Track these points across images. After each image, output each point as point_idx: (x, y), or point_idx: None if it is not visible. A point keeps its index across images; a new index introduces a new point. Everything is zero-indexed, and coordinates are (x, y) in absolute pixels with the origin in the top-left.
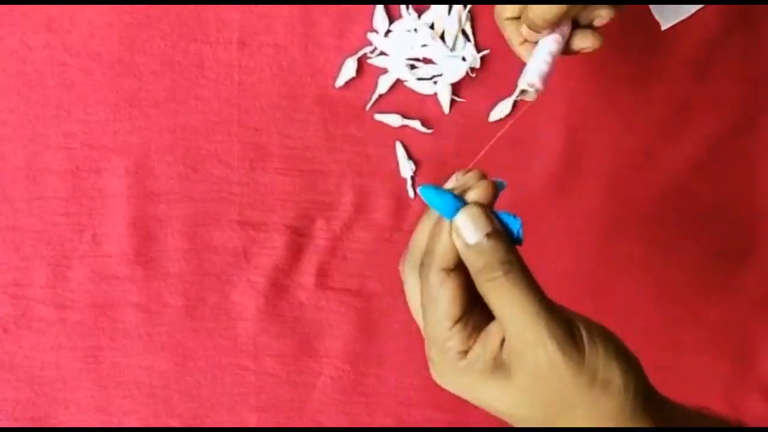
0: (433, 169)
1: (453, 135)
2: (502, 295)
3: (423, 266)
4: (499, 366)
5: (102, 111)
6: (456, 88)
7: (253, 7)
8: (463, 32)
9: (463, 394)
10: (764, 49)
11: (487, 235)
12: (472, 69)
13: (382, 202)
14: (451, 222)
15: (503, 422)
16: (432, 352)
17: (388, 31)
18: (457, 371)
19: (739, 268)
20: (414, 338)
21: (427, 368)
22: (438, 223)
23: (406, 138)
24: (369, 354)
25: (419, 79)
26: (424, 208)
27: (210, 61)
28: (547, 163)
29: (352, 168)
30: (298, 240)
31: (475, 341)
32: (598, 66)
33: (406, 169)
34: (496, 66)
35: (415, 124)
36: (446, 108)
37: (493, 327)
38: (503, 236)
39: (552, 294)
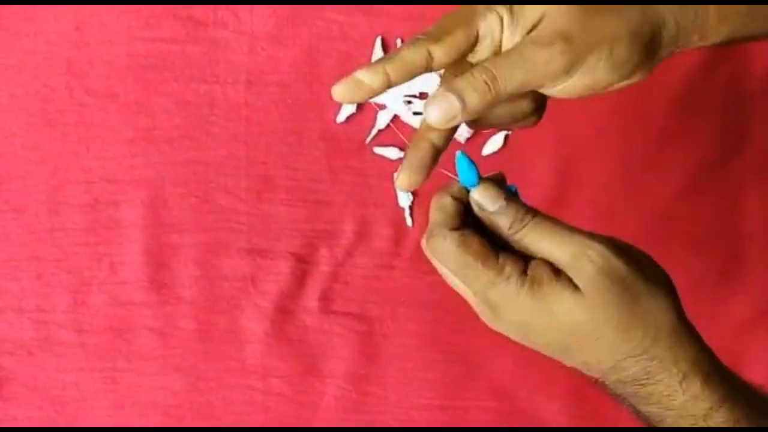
0: (430, 199)
1: (448, 167)
2: (538, 232)
3: (436, 236)
4: (562, 279)
5: (119, 147)
6: None
7: (259, 49)
8: None
9: (540, 318)
10: (748, 79)
11: (505, 200)
12: None
13: (382, 230)
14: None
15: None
16: (493, 296)
17: None
18: (526, 294)
19: (728, 291)
20: (413, 359)
21: (427, 388)
22: (438, 196)
23: None
24: (371, 375)
25: (415, 113)
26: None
27: (220, 100)
28: (537, 191)
29: (353, 198)
30: (303, 267)
31: (525, 266)
32: (587, 99)
33: (404, 199)
34: None
35: None
36: None
37: (538, 259)
38: (515, 197)
39: None
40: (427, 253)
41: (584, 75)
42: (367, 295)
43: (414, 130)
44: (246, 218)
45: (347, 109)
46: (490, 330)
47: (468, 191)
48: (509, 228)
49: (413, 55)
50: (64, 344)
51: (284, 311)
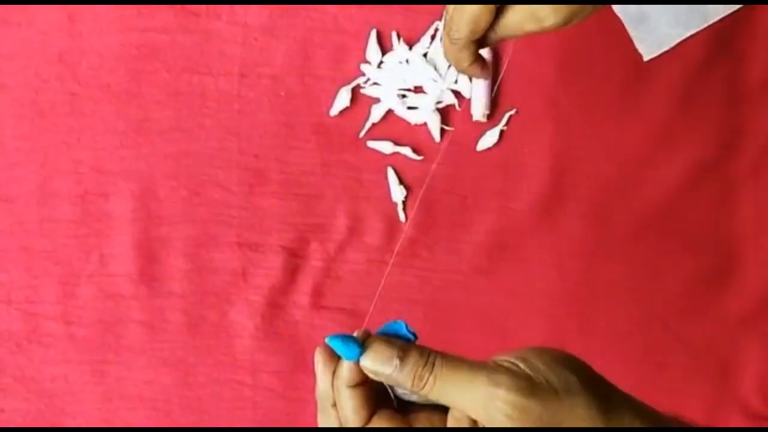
0: (423, 194)
1: (443, 162)
2: (443, 385)
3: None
4: None
5: (110, 138)
6: (446, 117)
7: (252, 41)
8: None
9: None
10: (745, 79)
11: (399, 358)
12: (461, 98)
13: (375, 225)
14: (351, 366)
15: None
16: None
17: (381, 63)
18: None
19: (721, 290)
20: None
21: None
22: (338, 390)
23: (398, 164)
24: None
25: (409, 108)
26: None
27: (212, 92)
28: (533, 188)
29: (346, 193)
30: (294, 261)
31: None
32: (583, 95)
33: (398, 193)
34: None
35: (406, 151)
36: (436, 136)
37: (451, 421)
38: (409, 347)
39: (537, 316)
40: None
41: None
42: (358, 290)
43: (408, 124)
44: (237, 211)
45: (341, 103)
46: (481, 327)
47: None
48: (411, 386)
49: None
50: (53, 336)
51: (275, 306)
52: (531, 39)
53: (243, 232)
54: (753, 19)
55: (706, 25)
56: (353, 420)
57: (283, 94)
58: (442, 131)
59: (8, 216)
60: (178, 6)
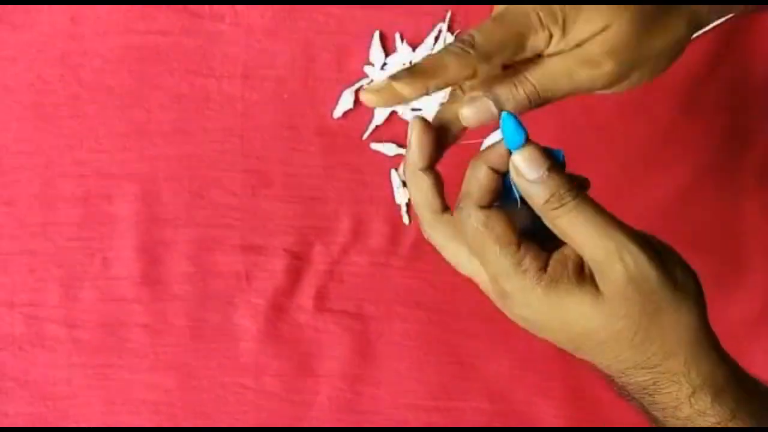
0: None
1: (446, 163)
2: (576, 218)
3: (462, 210)
4: (584, 281)
5: (112, 141)
6: None
7: (255, 42)
8: None
9: (550, 318)
10: (750, 81)
11: (548, 170)
12: None
13: (378, 227)
14: (509, 158)
15: None
16: (507, 286)
17: (384, 64)
18: (542, 292)
19: (727, 293)
20: (408, 359)
21: (421, 389)
22: (474, 164)
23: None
24: (365, 374)
25: (413, 109)
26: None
27: (215, 94)
28: None
29: (349, 195)
30: (298, 264)
31: (547, 261)
32: (587, 98)
33: (401, 196)
34: None
35: None
36: None
37: (565, 249)
38: (560, 169)
39: None
40: (427, 234)
41: (621, 86)
42: (362, 293)
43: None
44: (240, 214)
45: (344, 105)
46: (486, 331)
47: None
48: (544, 202)
49: (459, 71)
50: (56, 339)
51: (278, 309)
52: None
53: (246, 234)
54: (759, 20)
55: (710, 27)
56: (476, 197)
57: (286, 96)
58: None
59: (11, 219)
60: (181, 8)
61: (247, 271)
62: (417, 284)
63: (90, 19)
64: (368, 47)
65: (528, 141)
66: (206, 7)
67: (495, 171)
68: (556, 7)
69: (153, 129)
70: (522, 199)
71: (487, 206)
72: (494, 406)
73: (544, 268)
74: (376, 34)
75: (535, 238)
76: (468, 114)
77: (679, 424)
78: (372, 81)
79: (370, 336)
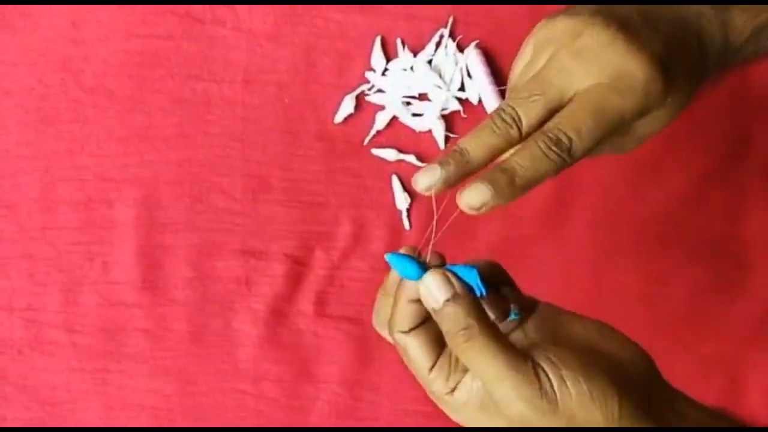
0: (427, 201)
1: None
2: (468, 356)
3: (389, 327)
4: (487, 410)
5: (113, 145)
6: (450, 124)
7: (257, 47)
8: (468, 70)
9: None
10: (752, 87)
11: (446, 301)
12: (466, 105)
13: (379, 232)
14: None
15: None
16: (432, 396)
17: (386, 70)
18: (454, 408)
19: (729, 300)
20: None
21: (421, 395)
22: (397, 290)
23: (402, 171)
24: (365, 380)
25: (414, 115)
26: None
27: (216, 99)
28: (538, 195)
29: (350, 200)
30: (298, 269)
31: (461, 379)
32: None
33: (402, 201)
34: None
35: (411, 159)
36: (441, 143)
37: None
38: (464, 298)
39: None
40: (378, 330)
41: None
42: (362, 299)
43: (412, 131)
44: (241, 219)
45: (345, 110)
46: None
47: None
48: (447, 334)
49: (503, 150)
50: (55, 344)
51: (278, 314)
52: None
53: (246, 239)
54: None
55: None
56: (397, 325)
57: (287, 101)
58: (447, 138)
59: (11, 223)
60: (183, 12)
61: (247, 276)
62: None
63: (91, 24)
64: (369, 52)
65: (429, 271)
66: (208, 11)
67: (412, 301)
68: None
69: (154, 133)
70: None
71: (408, 330)
72: None
73: (452, 390)
74: (378, 40)
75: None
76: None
77: None
78: (373, 86)
79: (370, 341)
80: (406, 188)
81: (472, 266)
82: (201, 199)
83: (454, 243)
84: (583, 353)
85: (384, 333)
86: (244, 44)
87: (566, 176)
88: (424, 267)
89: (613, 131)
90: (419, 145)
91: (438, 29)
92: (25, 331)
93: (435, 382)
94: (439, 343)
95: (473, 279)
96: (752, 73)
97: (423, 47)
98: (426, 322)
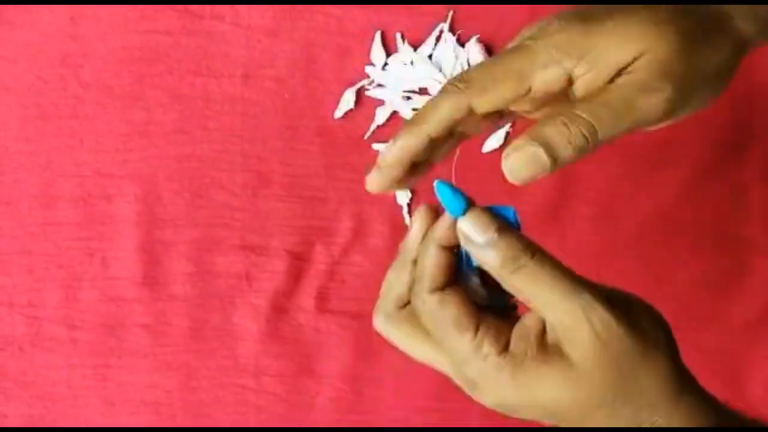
0: (428, 197)
1: (447, 164)
2: (535, 279)
3: (415, 296)
4: (550, 353)
5: (113, 141)
6: None
7: (256, 42)
8: (469, 64)
9: (523, 402)
10: (753, 80)
11: (497, 231)
12: None
13: (379, 227)
14: (455, 225)
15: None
16: (471, 373)
17: (385, 64)
18: (507, 376)
19: (730, 294)
20: (410, 360)
21: (423, 389)
22: (423, 246)
23: None
24: (366, 375)
25: (414, 109)
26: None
27: (215, 94)
28: (538, 190)
29: (350, 195)
30: (298, 264)
31: (508, 338)
32: None
33: (402, 196)
34: None
35: None
36: None
37: (526, 320)
38: (511, 228)
39: None
40: (380, 330)
41: (681, 113)
42: (363, 293)
43: None
44: (241, 214)
45: (345, 105)
46: None
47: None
48: (500, 267)
49: (452, 109)
50: (55, 340)
51: (279, 309)
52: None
53: (246, 235)
54: None
55: None
56: (428, 281)
57: (286, 96)
58: None
59: (11, 219)
60: (182, 8)
61: (247, 272)
62: None
63: (90, 20)
64: (369, 47)
65: (471, 205)
66: (206, 7)
67: (445, 248)
68: (572, 40)
69: (153, 129)
70: (479, 269)
71: (441, 288)
72: None
73: (505, 349)
74: (377, 34)
75: (497, 309)
76: (514, 166)
77: None
78: (373, 81)
79: (371, 336)
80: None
81: (508, 207)
82: (201, 194)
83: None
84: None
85: (387, 327)
86: (244, 40)
87: (567, 170)
88: (467, 201)
89: (520, 78)
90: None
91: (437, 23)
92: (26, 328)
93: (484, 342)
94: (474, 310)
95: (510, 215)
96: (754, 69)
97: (423, 41)
98: (449, 289)
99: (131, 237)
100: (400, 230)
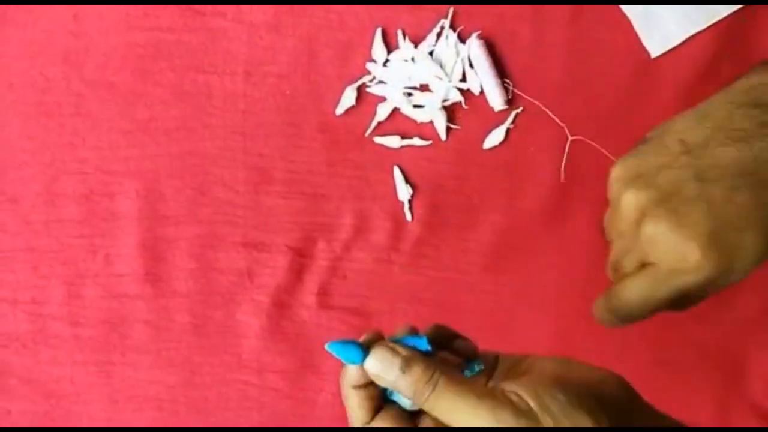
0: (429, 193)
1: (449, 160)
2: (439, 406)
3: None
4: None
5: (115, 138)
6: (452, 115)
7: (258, 39)
8: (470, 61)
9: None
10: None
11: (405, 364)
12: (468, 96)
13: (381, 224)
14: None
15: None
16: None
17: (387, 61)
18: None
19: (733, 290)
20: None
21: None
22: (345, 394)
23: (404, 163)
24: None
25: (415, 106)
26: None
27: (217, 91)
28: (539, 187)
29: (352, 192)
30: (300, 261)
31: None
32: (589, 94)
33: (404, 192)
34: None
35: (415, 141)
36: (442, 134)
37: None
38: (416, 359)
39: (545, 315)
40: None
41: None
42: (365, 290)
43: (414, 123)
44: (243, 211)
45: (346, 102)
46: (489, 327)
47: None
48: (413, 398)
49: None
50: (59, 337)
51: (281, 306)
52: (538, 36)
53: (249, 231)
54: (762, 17)
55: (713, 22)
56: (357, 416)
57: (288, 92)
58: (448, 129)
59: (14, 216)
60: (184, 5)
61: (249, 268)
62: (420, 280)
63: (92, 17)
64: (370, 44)
65: (369, 347)
66: (208, 4)
67: (359, 387)
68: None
69: (155, 126)
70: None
71: (372, 418)
72: None
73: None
74: (379, 31)
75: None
76: None
77: None
78: (374, 77)
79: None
80: (408, 180)
81: (420, 336)
82: (203, 191)
83: (456, 235)
84: (553, 379)
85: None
86: (245, 36)
87: (569, 170)
88: (363, 348)
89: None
90: (420, 136)
91: (439, 20)
92: (29, 324)
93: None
94: (405, 413)
95: (422, 344)
96: (753, 63)
97: (424, 38)
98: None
99: (134, 234)
100: (401, 226)
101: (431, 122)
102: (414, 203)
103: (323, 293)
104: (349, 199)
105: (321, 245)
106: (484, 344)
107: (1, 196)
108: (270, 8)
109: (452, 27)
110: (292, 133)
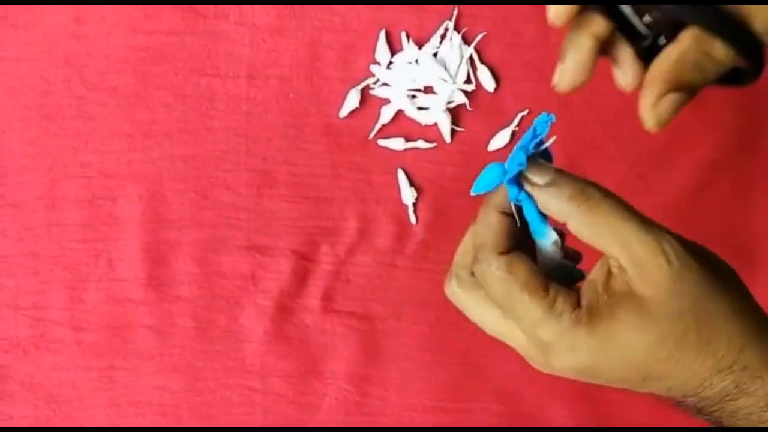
0: (434, 196)
1: (453, 163)
2: (603, 214)
3: (481, 262)
4: (621, 297)
5: (117, 142)
6: (456, 117)
7: (260, 42)
8: (472, 62)
9: (601, 357)
10: (761, 80)
11: (557, 172)
12: (472, 98)
13: (385, 227)
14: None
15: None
16: (545, 336)
17: (390, 63)
18: (584, 330)
19: None
20: (416, 360)
21: (430, 390)
22: (483, 212)
23: (408, 166)
24: (372, 376)
25: (419, 108)
26: (423, 238)
27: (220, 94)
28: None
29: (355, 195)
30: (304, 264)
31: (578, 297)
32: (594, 93)
33: (408, 195)
34: (497, 96)
35: (419, 143)
36: (447, 137)
37: (590, 276)
38: (568, 173)
39: None
40: (451, 296)
41: None
42: (369, 293)
43: (418, 125)
44: (246, 214)
45: (350, 104)
46: None
47: (513, 203)
48: (568, 200)
49: None
50: (61, 342)
51: (285, 310)
52: (539, 36)
53: (252, 235)
54: None
55: None
56: (494, 245)
57: (291, 95)
58: (453, 131)
59: (16, 221)
60: (186, 7)
61: (252, 272)
62: (424, 284)
63: (94, 20)
64: (374, 46)
65: (529, 157)
66: (211, 6)
67: (505, 213)
68: None
69: (157, 129)
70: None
71: (506, 252)
72: (504, 406)
73: (577, 304)
74: (382, 33)
75: (563, 282)
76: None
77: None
78: (378, 80)
79: (377, 337)
80: (412, 182)
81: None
82: (206, 194)
83: (461, 238)
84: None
85: (459, 293)
86: (248, 39)
87: (572, 168)
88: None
89: None
90: (425, 139)
91: (443, 21)
92: (31, 329)
93: (557, 299)
94: (541, 271)
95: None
96: None
97: (428, 40)
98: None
99: (136, 238)
100: (405, 230)
101: (435, 124)
102: (418, 206)
103: (327, 297)
104: (352, 202)
105: (325, 249)
106: (489, 346)
107: (1, 201)
108: (272, 10)
109: (456, 28)
110: (296, 136)
